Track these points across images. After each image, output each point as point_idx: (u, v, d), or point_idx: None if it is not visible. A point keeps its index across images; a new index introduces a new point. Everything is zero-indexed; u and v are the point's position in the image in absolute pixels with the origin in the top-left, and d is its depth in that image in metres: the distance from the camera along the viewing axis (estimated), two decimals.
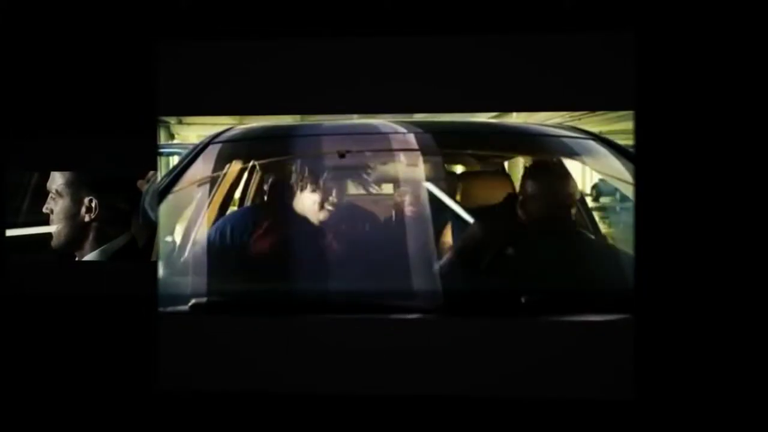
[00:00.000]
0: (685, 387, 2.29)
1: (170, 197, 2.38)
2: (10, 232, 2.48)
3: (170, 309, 2.35)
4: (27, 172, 2.48)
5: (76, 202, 2.44)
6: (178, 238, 2.39)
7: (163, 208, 2.37)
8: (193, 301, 2.35)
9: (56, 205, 2.45)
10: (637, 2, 2.28)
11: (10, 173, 2.48)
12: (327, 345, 2.31)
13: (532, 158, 2.40)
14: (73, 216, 2.44)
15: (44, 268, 2.45)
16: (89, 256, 2.44)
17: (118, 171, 2.42)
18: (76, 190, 2.44)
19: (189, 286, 2.35)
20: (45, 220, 2.45)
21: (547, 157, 2.40)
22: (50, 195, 2.45)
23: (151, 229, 2.39)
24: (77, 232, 2.44)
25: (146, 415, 2.36)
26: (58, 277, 2.44)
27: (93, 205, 2.43)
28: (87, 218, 2.44)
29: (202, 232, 2.36)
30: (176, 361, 2.34)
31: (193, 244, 2.37)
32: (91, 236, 2.45)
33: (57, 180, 2.45)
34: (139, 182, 2.43)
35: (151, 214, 2.40)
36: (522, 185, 2.33)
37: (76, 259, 2.45)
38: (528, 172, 2.36)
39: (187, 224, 2.39)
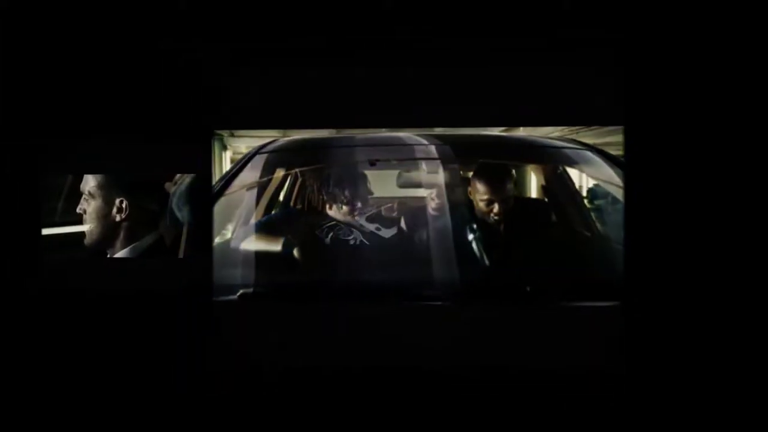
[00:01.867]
0: (673, 361, 2.52)
1: (223, 200, 2.66)
2: (46, 231, 2.55)
3: (222, 298, 2.59)
4: (61, 175, 2.56)
5: (108, 203, 2.52)
6: (230, 234, 2.68)
7: (217, 208, 2.63)
8: (241, 291, 2.62)
9: (89, 206, 2.52)
10: (624, 25, 2.51)
11: (48, 175, 2.56)
12: (362, 326, 2.56)
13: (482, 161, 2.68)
14: (104, 216, 2.52)
15: (78, 265, 2.54)
16: (120, 254, 2.54)
17: (169, 177, 2.54)
18: (107, 191, 2.53)
19: (239, 277, 2.62)
20: (79, 220, 2.53)
21: (543, 164, 2.69)
22: (83, 196, 2.53)
23: (178, 228, 2.51)
24: (108, 231, 2.52)
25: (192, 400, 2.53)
26: (93, 273, 2.53)
27: (123, 206, 2.52)
28: (118, 218, 2.52)
29: (250, 229, 2.65)
30: (229, 345, 2.56)
31: (243, 240, 2.65)
32: (121, 235, 2.54)
33: (90, 182, 2.53)
34: (167, 185, 2.53)
35: (178, 214, 2.52)
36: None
37: (108, 256, 2.54)
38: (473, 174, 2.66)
39: (237, 223, 2.69)
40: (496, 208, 2.61)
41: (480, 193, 2.63)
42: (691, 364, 2.53)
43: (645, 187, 2.50)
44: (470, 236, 2.63)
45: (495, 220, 2.61)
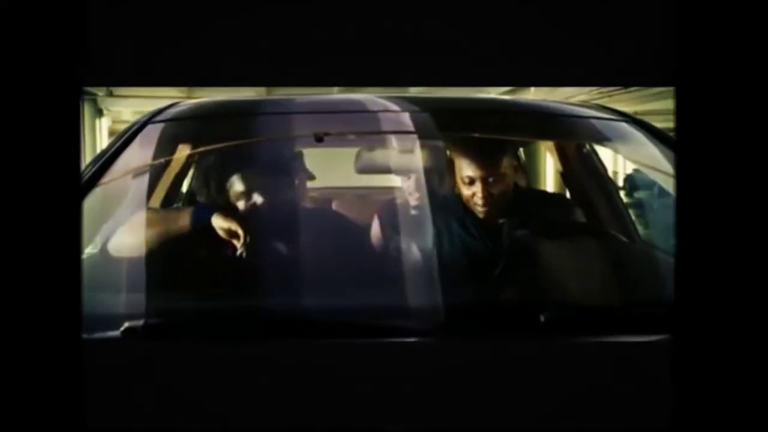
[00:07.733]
0: (729, 417, 1.96)
1: (97, 191, 1.86)
2: None
3: (97, 335, 1.85)
4: None
5: None
6: (108, 241, 1.90)
7: (89, 203, 1.85)
8: (126, 324, 1.86)
9: None
10: None
11: None
12: (301, 373, 1.86)
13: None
14: None
15: None
16: None
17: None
18: None
19: (122, 304, 1.86)
20: None
21: (561, 141, 2.05)
22: None
23: None
24: None
25: None
26: None
27: None
28: None
29: (138, 235, 1.87)
30: (106, 398, 1.85)
31: (129, 250, 1.88)
32: None
33: None
34: None
35: None
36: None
37: None
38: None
39: (118, 225, 1.91)
40: (479, 191, 1.92)
41: (461, 170, 1.95)
42: (759, 419, 1.95)
43: (704, 174, 1.77)
44: (459, 243, 1.90)
45: (479, 210, 1.96)
